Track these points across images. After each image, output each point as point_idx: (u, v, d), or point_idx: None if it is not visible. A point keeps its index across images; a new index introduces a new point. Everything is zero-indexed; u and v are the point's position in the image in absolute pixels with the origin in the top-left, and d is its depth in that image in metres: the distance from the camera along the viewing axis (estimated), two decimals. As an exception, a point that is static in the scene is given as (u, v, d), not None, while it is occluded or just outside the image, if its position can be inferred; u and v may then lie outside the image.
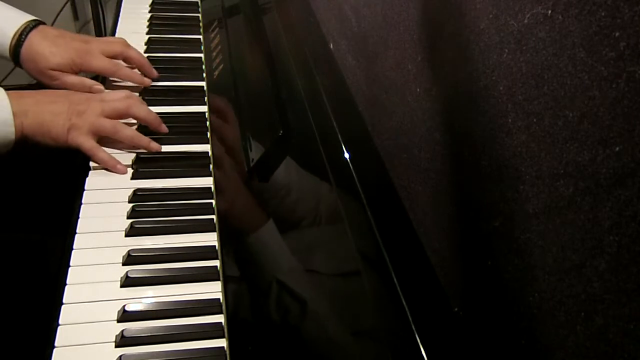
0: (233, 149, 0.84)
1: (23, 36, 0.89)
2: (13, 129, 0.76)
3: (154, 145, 0.84)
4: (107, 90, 0.92)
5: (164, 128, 0.87)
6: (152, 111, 0.86)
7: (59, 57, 0.89)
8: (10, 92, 0.79)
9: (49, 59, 0.89)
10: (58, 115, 0.79)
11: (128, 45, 0.96)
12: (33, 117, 0.78)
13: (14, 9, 0.93)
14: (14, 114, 0.77)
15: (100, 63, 0.92)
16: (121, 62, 0.96)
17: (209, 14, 1.20)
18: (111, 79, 0.97)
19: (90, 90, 0.90)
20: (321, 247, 0.64)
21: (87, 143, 0.80)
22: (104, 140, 0.83)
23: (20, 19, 0.90)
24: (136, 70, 0.97)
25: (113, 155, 0.82)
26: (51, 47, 0.89)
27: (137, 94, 0.95)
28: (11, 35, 0.89)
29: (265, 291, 0.61)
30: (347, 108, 0.73)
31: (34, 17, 0.92)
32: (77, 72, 0.91)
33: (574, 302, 0.37)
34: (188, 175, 0.82)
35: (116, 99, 0.84)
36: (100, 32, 2.04)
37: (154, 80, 0.98)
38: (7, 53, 0.90)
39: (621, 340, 0.33)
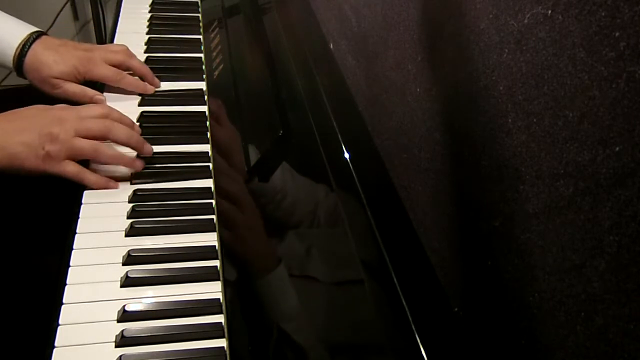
0: (232, 155, 0.83)
1: (26, 47, 0.90)
2: None
3: (138, 164, 0.79)
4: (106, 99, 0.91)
5: (148, 149, 0.81)
6: (132, 131, 0.80)
7: (62, 65, 0.90)
8: None
9: (52, 67, 0.89)
10: (29, 145, 0.73)
11: (130, 54, 0.96)
12: (1, 152, 0.72)
13: (17, 20, 0.93)
14: None
15: (103, 71, 0.93)
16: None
17: (209, 14, 1.20)
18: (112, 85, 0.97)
19: (91, 101, 0.90)
20: (320, 248, 0.64)
21: (70, 169, 0.75)
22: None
23: (24, 31, 0.91)
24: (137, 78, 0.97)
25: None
26: (54, 56, 0.90)
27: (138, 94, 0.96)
28: (15, 46, 0.90)
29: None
30: (347, 108, 0.73)
31: (37, 29, 0.93)
32: (80, 80, 0.92)
33: (574, 302, 0.37)
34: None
35: (92, 115, 0.77)
36: (100, 32, 2.04)
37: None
38: (10, 64, 0.91)
39: (621, 340, 0.33)
